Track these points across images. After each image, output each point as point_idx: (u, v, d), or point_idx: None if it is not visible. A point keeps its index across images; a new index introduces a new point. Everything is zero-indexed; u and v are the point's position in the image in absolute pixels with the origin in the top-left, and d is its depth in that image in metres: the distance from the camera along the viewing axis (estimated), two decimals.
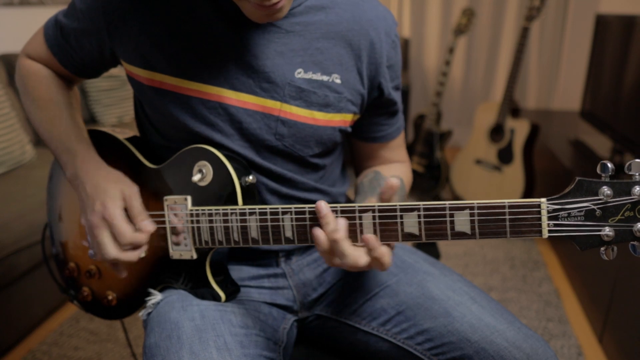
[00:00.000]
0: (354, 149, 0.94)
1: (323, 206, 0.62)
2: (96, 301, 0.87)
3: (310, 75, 0.75)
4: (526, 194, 2.39)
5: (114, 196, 0.72)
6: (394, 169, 0.89)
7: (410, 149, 2.78)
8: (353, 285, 0.86)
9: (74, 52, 0.82)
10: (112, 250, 0.71)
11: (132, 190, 0.74)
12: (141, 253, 0.73)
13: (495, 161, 2.44)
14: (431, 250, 2.10)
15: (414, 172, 2.68)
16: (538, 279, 2.06)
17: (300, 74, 0.75)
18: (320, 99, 0.76)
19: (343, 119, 0.80)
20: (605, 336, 1.60)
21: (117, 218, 0.70)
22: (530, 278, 2.07)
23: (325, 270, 0.88)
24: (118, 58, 0.79)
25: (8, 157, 2.01)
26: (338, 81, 0.77)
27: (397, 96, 0.87)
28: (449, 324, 0.75)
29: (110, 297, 0.84)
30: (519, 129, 2.36)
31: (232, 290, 0.78)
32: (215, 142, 0.76)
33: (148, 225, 0.73)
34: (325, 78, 0.76)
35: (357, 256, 0.62)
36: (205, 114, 0.75)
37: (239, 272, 0.85)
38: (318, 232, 0.63)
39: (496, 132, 2.45)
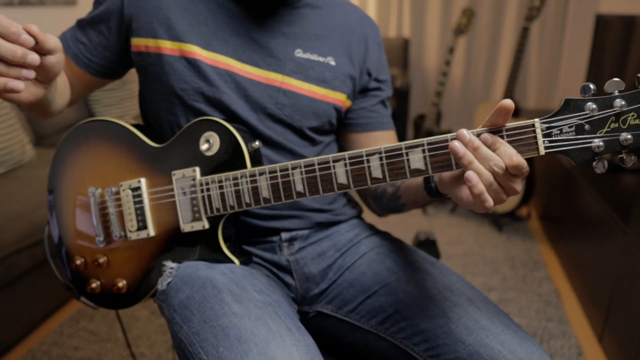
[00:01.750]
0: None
1: (465, 132, 0.59)
2: (105, 291, 0.87)
3: (308, 56, 0.85)
4: (526, 194, 2.39)
5: None
6: None
7: None
8: (354, 283, 0.86)
9: (90, 43, 0.86)
10: None
11: None
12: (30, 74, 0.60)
13: None
14: (431, 250, 2.10)
15: None
16: (538, 279, 2.06)
17: (299, 53, 0.85)
18: (317, 74, 0.86)
19: (337, 98, 0.87)
20: (605, 336, 1.60)
21: None
22: (530, 278, 2.07)
23: (329, 265, 0.89)
24: (129, 41, 0.84)
25: (8, 157, 2.01)
26: (332, 63, 0.87)
27: (383, 87, 0.94)
28: (445, 324, 0.75)
29: (120, 285, 0.84)
30: None
31: (246, 259, 0.81)
32: (225, 104, 0.81)
33: (26, 40, 0.57)
34: (321, 59, 0.86)
35: (500, 157, 0.58)
36: (214, 78, 0.81)
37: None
38: (456, 143, 0.59)
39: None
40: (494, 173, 0.58)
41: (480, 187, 0.58)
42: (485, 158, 0.59)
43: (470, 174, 0.58)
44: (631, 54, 1.89)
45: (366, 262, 0.88)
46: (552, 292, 1.96)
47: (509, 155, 0.58)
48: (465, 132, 0.60)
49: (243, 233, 0.86)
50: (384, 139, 0.93)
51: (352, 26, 0.90)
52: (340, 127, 0.94)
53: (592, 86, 0.57)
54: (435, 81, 3.52)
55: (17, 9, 2.54)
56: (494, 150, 0.59)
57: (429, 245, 2.14)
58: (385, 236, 0.94)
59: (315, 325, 0.89)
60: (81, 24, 0.87)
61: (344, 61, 0.88)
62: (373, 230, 0.95)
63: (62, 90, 0.84)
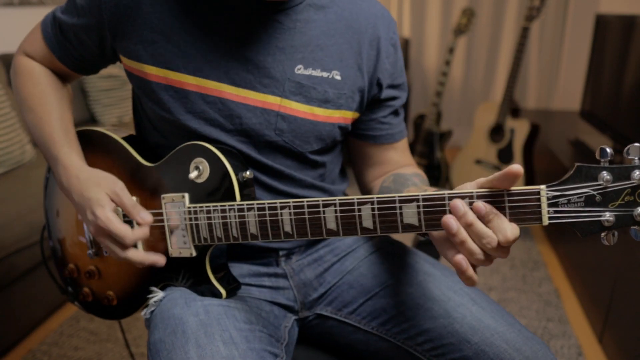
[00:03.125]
0: (361, 159, 0.92)
1: (459, 205, 0.55)
2: (96, 301, 0.87)
3: (310, 72, 0.76)
4: None
5: (99, 201, 0.72)
6: (413, 169, 0.88)
7: (410, 149, 2.77)
8: (354, 284, 0.86)
9: (73, 48, 0.82)
10: (122, 253, 0.72)
11: (117, 187, 0.73)
12: (154, 258, 0.74)
13: (495, 161, 2.44)
14: (431, 250, 2.10)
15: None
16: (538, 279, 2.06)
17: (300, 70, 0.76)
18: (319, 94, 0.77)
19: (343, 116, 0.81)
20: (605, 336, 1.60)
21: (111, 224, 0.70)
22: (530, 278, 2.07)
23: (325, 270, 0.88)
24: (117, 54, 0.79)
25: (8, 157, 2.01)
26: (338, 77, 0.78)
27: (397, 94, 0.87)
28: (449, 325, 0.75)
29: (110, 297, 0.84)
30: (519, 129, 2.36)
31: (233, 287, 0.78)
32: (213, 139, 0.76)
33: (146, 217, 0.73)
34: (325, 74, 0.77)
35: (493, 231, 0.55)
36: (204, 108, 0.75)
37: (239, 269, 0.85)
38: (450, 219, 0.55)
39: (496, 132, 2.45)
40: (484, 250, 0.55)
41: (470, 272, 0.56)
42: (479, 236, 0.55)
43: (460, 260, 0.56)
44: (631, 54, 1.89)
45: (366, 265, 0.87)
46: (552, 292, 1.96)
47: (503, 231, 0.54)
48: (459, 205, 0.55)
49: (240, 251, 0.84)
50: (395, 151, 0.90)
51: (362, 28, 0.79)
52: (349, 135, 0.89)
53: (609, 150, 0.52)
54: (435, 81, 3.51)
55: (17, 9, 2.53)
56: (487, 222, 0.55)
57: (428, 245, 2.14)
58: (384, 239, 0.93)
59: (315, 327, 0.88)
60: (62, 27, 0.81)
61: (351, 73, 0.79)
62: None
63: (70, 103, 0.88)
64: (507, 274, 2.10)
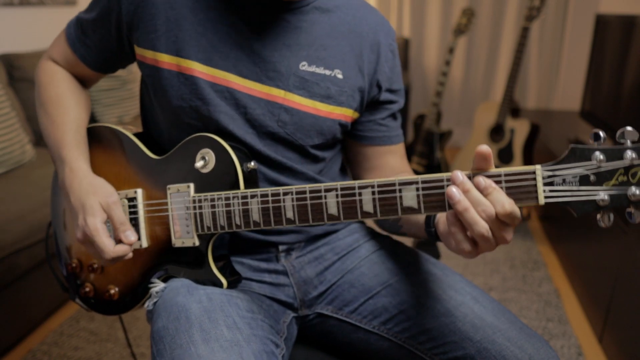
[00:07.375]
0: (358, 162, 0.93)
1: (458, 174, 0.58)
2: (98, 296, 0.87)
3: (313, 69, 0.80)
4: None
5: (92, 210, 0.75)
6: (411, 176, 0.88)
7: (410, 149, 2.78)
8: (354, 284, 0.86)
9: (93, 44, 0.85)
10: (103, 263, 0.77)
11: (111, 200, 0.76)
12: (129, 254, 0.77)
13: (496, 161, 2.44)
14: (431, 250, 2.10)
15: (414, 172, 2.67)
16: (538, 279, 2.06)
17: (304, 66, 0.79)
18: (322, 90, 0.80)
19: (343, 113, 0.83)
20: (605, 336, 1.61)
21: (97, 235, 0.73)
22: (530, 278, 2.07)
23: (326, 268, 0.89)
24: (133, 45, 0.81)
25: (8, 157, 2.01)
26: (340, 76, 0.81)
27: (395, 98, 0.89)
28: (451, 323, 0.75)
29: (112, 292, 0.85)
30: (519, 129, 2.36)
31: (234, 279, 0.79)
32: (221, 125, 0.78)
33: (130, 236, 0.76)
34: (327, 72, 0.81)
35: (492, 204, 0.56)
36: (212, 96, 0.78)
37: (240, 265, 0.85)
38: (453, 189, 0.58)
39: (496, 132, 2.45)
40: (484, 220, 0.57)
41: (463, 242, 0.59)
42: (475, 203, 0.57)
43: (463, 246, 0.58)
44: (631, 54, 1.89)
45: (367, 264, 0.87)
46: (552, 292, 1.96)
47: (501, 202, 0.56)
48: (458, 174, 0.58)
49: (240, 245, 0.85)
50: (392, 154, 0.91)
51: (364, 33, 0.84)
52: (347, 136, 0.91)
53: (602, 134, 0.53)
54: (435, 81, 3.51)
55: (17, 8, 2.53)
56: (486, 195, 0.57)
57: (429, 245, 2.14)
58: (385, 239, 0.93)
59: (316, 326, 0.88)
60: (82, 26, 0.85)
61: (352, 73, 0.82)
62: (373, 234, 0.95)
63: (88, 109, 0.90)
64: (507, 274, 2.10)
